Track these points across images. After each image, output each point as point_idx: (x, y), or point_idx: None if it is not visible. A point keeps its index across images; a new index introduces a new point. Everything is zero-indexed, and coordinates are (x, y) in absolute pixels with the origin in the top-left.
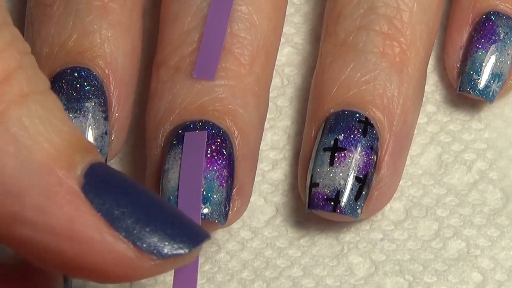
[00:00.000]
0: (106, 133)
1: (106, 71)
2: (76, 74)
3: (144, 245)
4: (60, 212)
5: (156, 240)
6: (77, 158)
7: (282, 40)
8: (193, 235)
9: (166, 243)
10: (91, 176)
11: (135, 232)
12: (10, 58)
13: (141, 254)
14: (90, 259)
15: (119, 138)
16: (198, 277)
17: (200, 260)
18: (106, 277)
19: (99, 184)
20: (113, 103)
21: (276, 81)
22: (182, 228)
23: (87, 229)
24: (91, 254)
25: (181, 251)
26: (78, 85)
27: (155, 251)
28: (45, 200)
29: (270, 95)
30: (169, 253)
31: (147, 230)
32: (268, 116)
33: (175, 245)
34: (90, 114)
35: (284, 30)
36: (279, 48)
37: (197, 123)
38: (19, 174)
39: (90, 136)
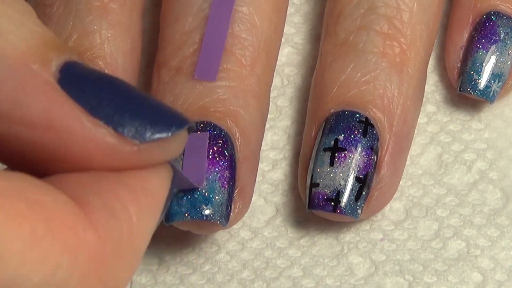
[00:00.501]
0: None
1: (106, 72)
2: None
3: (125, 130)
4: (36, 103)
5: (137, 124)
6: (51, 54)
7: (282, 40)
8: (175, 120)
9: (148, 127)
10: (67, 71)
11: (115, 118)
12: None
13: (123, 139)
14: (71, 149)
15: None
16: (198, 277)
17: (200, 261)
18: (90, 166)
19: (75, 77)
20: None
21: (276, 81)
22: (163, 114)
23: (65, 118)
24: (71, 143)
25: (164, 134)
26: None
27: (137, 135)
28: (19, 93)
29: (270, 95)
30: (152, 136)
31: (126, 116)
32: (268, 116)
33: (157, 128)
34: None
35: (284, 30)
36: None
37: (198, 124)
38: None
39: None
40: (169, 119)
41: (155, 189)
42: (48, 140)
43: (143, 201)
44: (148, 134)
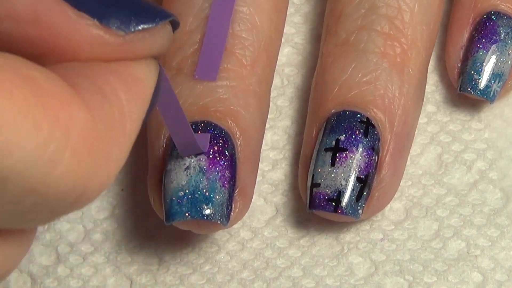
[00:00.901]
0: None
1: None
2: None
3: (111, 22)
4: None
5: (122, 16)
6: None
7: (282, 40)
8: (158, 12)
9: (132, 18)
10: None
11: (100, 11)
12: None
13: (108, 30)
14: (57, 43)
15: None
16: (198, 277)
17: (200, 261)
18: (77, 59)
19: None
20: None
21: (276, 81)
22: (146, 6)
23: (51, 11)
24: (58, 37)
25: (149, 25)
26: None
27: (122, 26)
28: None
29: (270, 95)
30: (136, 26)
31: (112, 8)
32: (268, 116)
33: (142, 19)
34: None
35: (284, 30)
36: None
37: (199, 124)
38: None
39: None
40: (153, 12)
41: (143, 77)
42: (34, 34)
43: (132, 87)
44: (132, 25)
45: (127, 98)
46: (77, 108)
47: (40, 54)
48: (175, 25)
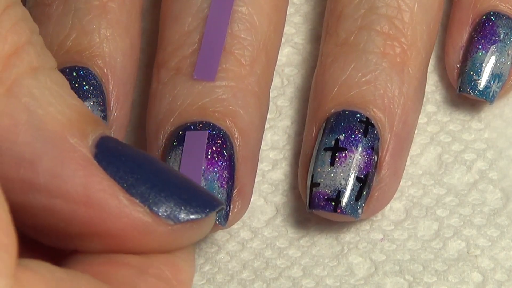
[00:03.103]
0: None
1: (105, 71)
2: (74, 74)
3: (160, 210)
4: (74, 178)
5: (172, 204)
6: (88, 129)
7: (282, 40)
8: (208, 201)
9: (182, 208)
10: (103, 147)
11: (151, 197)
12: (21, 32)
13: (158, 218)
14: (106, 225)
15: (118, 137)
16: (198, 277)
17: (200, 261)
18: (123, 244)
19: (111, 153)
20: (112, 103)
21: (276, 81)
22: (196, 194)
23: (103, 194)
24: (107, 220)
25: (198, 216)
26: (76, 85)
27: (171, 216)
28: (59, 166)
29: (270, 95)
30: (186, 217)
31: (162, 195)
32: (268, 116)
33: (191, 209)
34: None
35: (284, 30)
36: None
37: (197, 124)
38: (32, 141)
39: None
40: (204, 201)
41: (187, 279)
42: (84, 214)
43: None
44: (182, 215)
45: None
46: None
47: (86, 233)
48: (221, 211)
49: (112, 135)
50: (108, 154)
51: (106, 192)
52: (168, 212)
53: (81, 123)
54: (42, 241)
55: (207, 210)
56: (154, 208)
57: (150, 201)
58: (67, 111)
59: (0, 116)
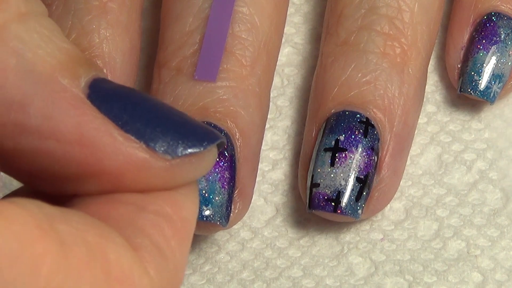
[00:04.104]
0: None
1: (105, 71)
2: None
3: (157, 145)
4: (67, 117)
5: (169, 139)
6: (80, 71)
7: (282, 40)
8: (207, 134)
9: (180, 142)
10: (96, 87)
11: (147, 133)
12: None
13: (155, 153)
14: (102, 164)
15: None
16: (198, 277)
17: (200, 261)
18: (120, 183)
19: (104, 93)
20: None
21: (276, 81)
22: (194, 128)
23: (97, 132)
24: (103, 158)
25: (196, 149)
26: None
27: (169, 150)
28: (50, 107)
29: (270, 95)
30: (184, 151)
31: (158, 130)
32: (268, 116)
33: (189, 143)
34: None
35: (284, 30)
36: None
37: None
38: (21, 84)
39: None
40: (201, 134)
41: (190, 216)
42: (78, 154)
43: (182, 232)
44: (180, 149)
45: (179, 249)
46: (140, 278)
47: (81, 174)
48: (221, 145)
49: (107, 77)
50: (101, 94)
51: (100, 131)
52: (165, 147)
53: (72, 65)
54: (37, 187)
55: (205, 143)
56: (150, 144)
57: (146, 137)
58: (57, 53)
59: None
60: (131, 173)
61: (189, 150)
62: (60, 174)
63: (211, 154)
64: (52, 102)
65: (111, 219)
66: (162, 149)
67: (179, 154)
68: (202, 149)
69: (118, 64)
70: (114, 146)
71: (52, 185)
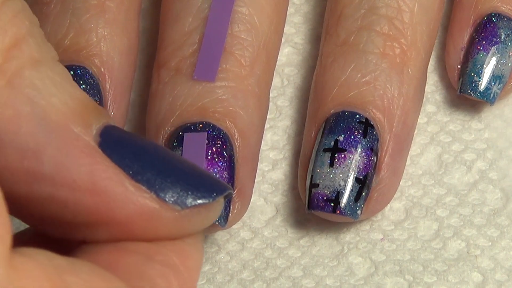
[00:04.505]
0: None
1: (102, 70)
2: (72, 73)
3: (167, 196)
4: (79, 166)
5: (178, 190)
6: (91, 118)
7: (282, 40)
8: (215, 185)
9: (189, 193)
10: (107, 135)
11: (157, 183)
12: (21, 24)
13: (165, 204)
14: (113, 213)
15: None
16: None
17: None
18: (130, 231)
19: (115, 141)
20: (109, 102)
21: (276, 81)
22: (203, 179)
23: (109, 181)
24: (114, 207)
25: (205, 200)
26: None
27: (178, 201)
28: (63, 155)
29: (270, 95)
30: (193, 202)
31: (168, 181)
32: (268, 116)
33: (198, 194)
34: None
35: (284, 30)
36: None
37: (197, 125)
38: (35, 132)
39: None
40: (210, 185)
41: (195, 266)
42: (90, 203)
43: (188, 282)
44: (189, 200)
45: None
46: None
47: (92, 222)
48: (228, 195)
49: (116, 124)
50: (112, 142)
51: (112, 180)
52: (175, 198)
53: (84, 113)
54: (48, 233)
55: (214, 194)
56: (160, 194)
57: (157, 187)
58: (69, 101)
59: (3, 108)
60: (141, 223)
61: (199, 201)
62: (71, 221)
63: (218, 204)
64: (65, 150)
65: (119, 268)
66: (172, 199)
67: (189, 205)
68: (211, 200)
69: (116, 63)
70: (125, 195)
71: (62, 231)
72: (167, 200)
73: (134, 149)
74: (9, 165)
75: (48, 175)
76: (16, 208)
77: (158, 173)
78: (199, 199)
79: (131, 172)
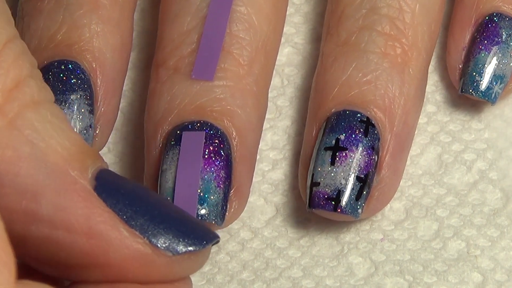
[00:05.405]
0: (90, 126)
1: (94, 65)
2: (63, 67)
3: (160, 242)
4: (76, 209)
5: (170, 236)
6: (88, 162)
7: (282, 40)
8: (205, 233)
9: (181, 240)
10: (102, 179)
11: (150, 229)
12: (22, 66)
13: (157, 250)
14: (107, 256)
15: (104, 132)
16: (198, 278)
17: None
18: (123, 274)
19: (110, 186)
20: (99, 97)
21: (276, 81)
22: (194, 227)
23: (104, 225)
24: (108, 250)
25: (196, 248)
26: (64, 78)
27: (170, 247)
28: (61, 198)
29: (270, 95)
30: (184, 249)
31: (161, 227)
32: (268, 116)
33: (189, 241)
34: (75, 106)
35: (284, 30)
36: (279, 48)
37: (195, 124)
38: (34, 174)
39: (74, 129)
40: (201, 233)
41: None
42: (86, 245)
43: None
44: (180, 247)
45: None
46: None
47: (87, 264)
48: (216, 243)
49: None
50: (107, 186)
51: (107, 224)
52: (167, 244)
53: (81, 156)
54: (44, 271)
55: (204, 242)
56: (153, 240)
57: (149, 233)
58: (67, 144)
59: (3, 149)
60: (133, 266)
61: (189, 248)
62: (66, 262)
63: (207, 251)
64: (63, 193)
65: None
66: (164, 245)
67: (180, 252)
68: (201, 248)
69: (108, 60)
70: (120, 240)
71: (57, 270)
72: (159, 246)
73: (127, 194)
74: (8, 205)
75: (46, 216)
76: (13, 247)
77: (151, 219)
78: (190, 246)
79: (125, 217)
